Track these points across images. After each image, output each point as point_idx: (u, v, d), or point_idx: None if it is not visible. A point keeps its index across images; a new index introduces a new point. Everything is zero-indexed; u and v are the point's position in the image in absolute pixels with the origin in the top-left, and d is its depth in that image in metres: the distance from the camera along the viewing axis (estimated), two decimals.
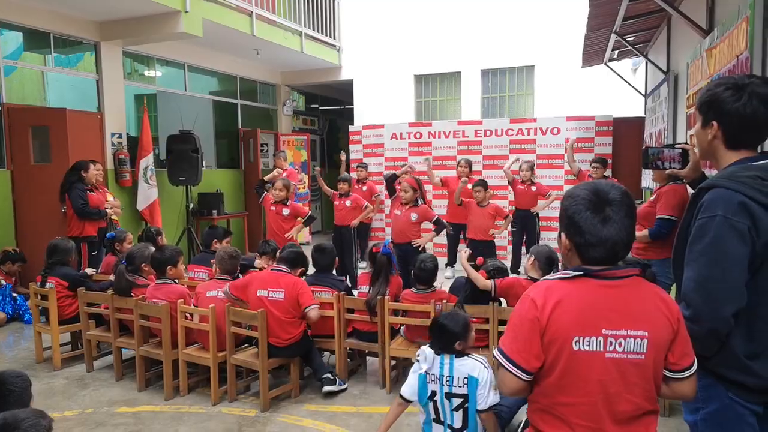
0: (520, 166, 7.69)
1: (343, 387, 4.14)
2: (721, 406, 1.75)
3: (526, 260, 4.06)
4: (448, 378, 2.65)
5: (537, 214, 7.62)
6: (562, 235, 1.65)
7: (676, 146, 2.17)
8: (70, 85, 8.20)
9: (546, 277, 1.69)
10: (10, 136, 6.86)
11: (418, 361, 2.77)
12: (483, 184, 6.90)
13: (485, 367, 2.65)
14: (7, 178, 6.87)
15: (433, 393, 2.74)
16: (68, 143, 6.82)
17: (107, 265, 5.31)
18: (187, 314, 4.08)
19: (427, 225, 6.05)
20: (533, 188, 7.59)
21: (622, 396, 1.54)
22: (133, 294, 4.30)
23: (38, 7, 7.01)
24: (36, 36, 7.33)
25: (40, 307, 4.89)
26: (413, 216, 5.81)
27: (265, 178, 6.85)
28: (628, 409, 1.55)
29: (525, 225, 7.62)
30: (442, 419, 2.70)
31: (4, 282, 6.32)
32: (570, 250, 1.62)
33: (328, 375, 4.08)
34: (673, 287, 3.76)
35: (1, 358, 5.05)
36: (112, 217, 6.71)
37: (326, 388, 4.03)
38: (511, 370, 1.60)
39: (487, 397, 2.61)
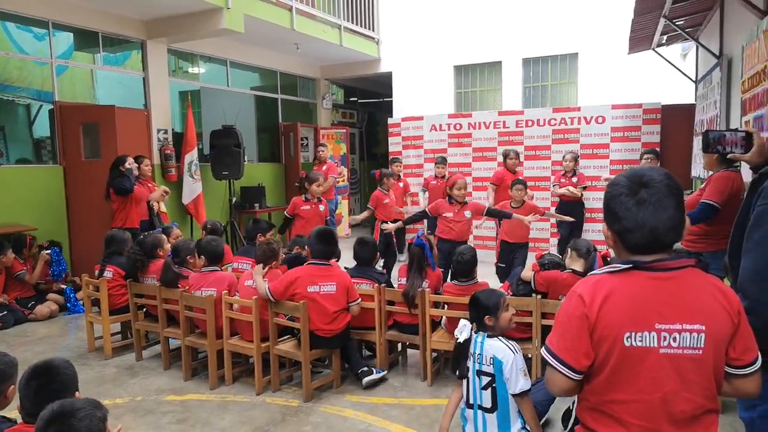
0: (564, 156, 7.51)
1: (381, 374, 4.15)
2: None
3: (566, 256, 3.99)
4: (479, 356, 2.75)
5: (583, 204, 7.43)
6: (604, 225, 1.59)
7: (739, 130, 2.08)
8: (118, 83, 8.45)
9: (594, 271, 1.62)
10: (63, 133, 7.13)
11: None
12: (523, 183, 6.32)
13: (512, 351, 2.71)
14: (60, 173, 7.13)
15: (467, 369, 2.79)
16: (117, 139, 7.03)
17: None
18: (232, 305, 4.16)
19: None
20: (575, 179, 7.41)
21: (680, 394, 1.46)
22: (180, 285, 4.42)
23: (87, 7, 7.24)
24: (85, 36, 7.57)
25: (91, 298, 5.07)
26: (467, 214, 5.64)
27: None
28: (686, 409, 1.47)
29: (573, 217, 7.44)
30: (472, 401, 2.75)
31: (48, 252, 6.47)
32: (614, 240, 1.56)
33: (364, 369, 4.10)
34: (726, 280, 3.60)
35: (56, 347, 5.26)
36: (160, 209, 6.89)
37: (366, 380, 4.04)
38: (559, 369, 1.54)
39: (516, 382, 2.64)
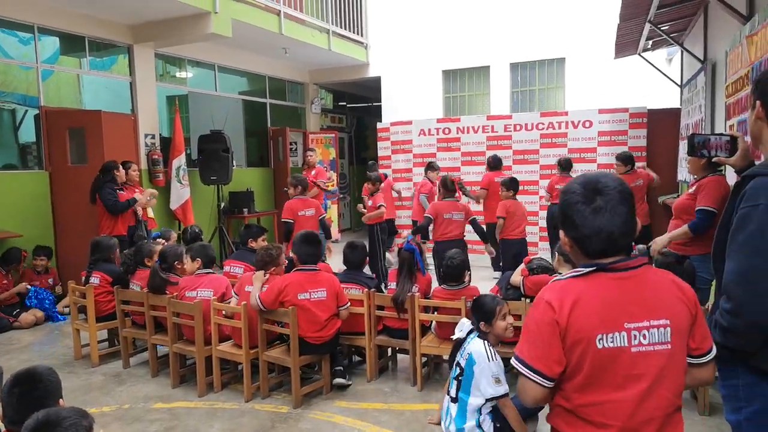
0: (567, 164, 7.48)
1: (348, 384, 4.19)
2: (767, 406, 1.68)
3: (554, 260, 4.02)
4: (462, 348, 2.92)
5: None
6: (561, 232, 1.60)
7: (723, 134, 2.11)
8: (105, 88, 8.38)
9: (557, 277, 1.63)
10: (48, 138, 7.05)
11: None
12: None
13: (488, 358, 2.82)
14: (46, 179, 7.05)
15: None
16: (103, 144, 6.96)
17: None
18: (223, 311, 4.13)
19: None
20: None
21: (655, 392, 1.49)
22: (167, 292, 4.38)
23: (74, 11, 7.18)
24: (72, 40, 7.51)
25: (78, 305, 5.01)
26: None
27: None
28: (661, 405, 1.50)
29: None
30: (449, 390, 2.93)
31: (28, 287, 6.32)
32: (571, 245, 1.58)
33: (340, 368, 4.14)
34: (714, 283, 3.64)
35: (42, 355, 5.19)
36: (147, 215, 6.84)
37: (336, 380, 4.09)
38: (532, 377, 1.53)
39: (486, 387, 2.74)
